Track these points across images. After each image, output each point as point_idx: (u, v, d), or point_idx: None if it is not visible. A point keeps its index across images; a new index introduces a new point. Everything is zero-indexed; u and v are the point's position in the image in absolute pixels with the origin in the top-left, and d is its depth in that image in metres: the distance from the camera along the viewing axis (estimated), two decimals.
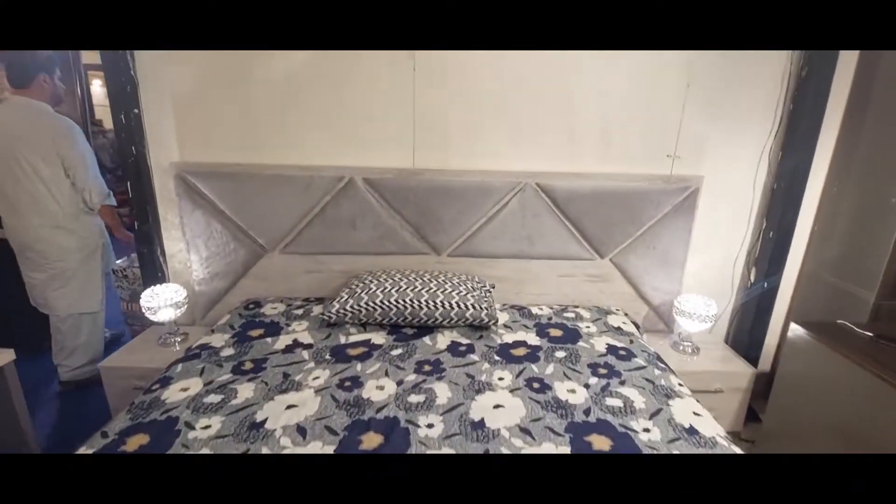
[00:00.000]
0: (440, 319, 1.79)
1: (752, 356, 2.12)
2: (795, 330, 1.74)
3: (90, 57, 4.43)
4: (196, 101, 1.92)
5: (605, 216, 2.04)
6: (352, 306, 1.79)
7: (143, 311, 1.91)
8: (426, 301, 1.79)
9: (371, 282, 1.91)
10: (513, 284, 2.17)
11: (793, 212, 1.98)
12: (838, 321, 1.76)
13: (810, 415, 1.68)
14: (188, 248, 2.05)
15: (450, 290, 1.86)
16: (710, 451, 1.21)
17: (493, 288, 2.08)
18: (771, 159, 2.01)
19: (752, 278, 2.13)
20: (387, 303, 1.79)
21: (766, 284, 2.08)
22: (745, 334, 2.16)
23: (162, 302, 1.90)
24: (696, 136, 1.99)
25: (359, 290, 1.86)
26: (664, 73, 1.91)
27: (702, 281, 2.18)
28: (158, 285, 1.96)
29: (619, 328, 1.94)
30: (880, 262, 1.80)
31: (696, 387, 1.78)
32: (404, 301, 1.79)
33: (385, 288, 1.85)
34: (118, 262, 2.61)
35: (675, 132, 1.99)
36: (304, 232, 2.05)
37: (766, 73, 1.92)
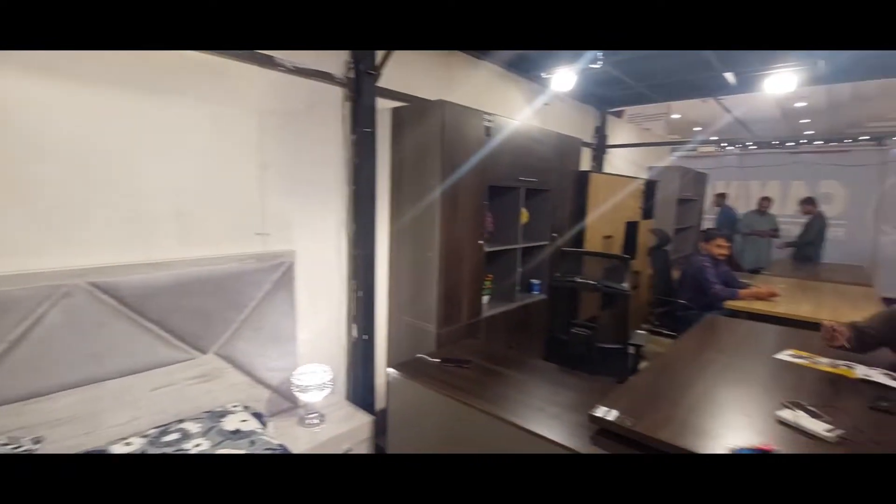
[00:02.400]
0: None
1: (368, 402, 2.34)
2: (390, 372, 2.02)
3: None
4: None
5: (199, 307, 1.79)
6: None
7: None
8: None
9: None
10: (81, 424, 1.57)
11: (371, 272, 2.34)
12: (417, 355, 2.18)
13: (422, 438, 1.96)
14: None
15: None
16: None
17: (39, 442, 1.43)
18: (348, 230, 2.32)
19: (356, 334, 2.37)
20: None
21: (366, 336, 2.36)
22: (360, 385, 2.38)
23: None
24: (281, 213, 2.05)
25: None
26: (239, 156, 1.89)
27: (316, 348, 2.26)
28: None
29: (236, 431, 1.70)
30: (433, 301, 2.36)
31: (329, 452, 1.77)
32: None
33: None
34: None
35: (259, 211, 1.98)
36: None
37: (329, 157, 2.20)
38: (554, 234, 3.13)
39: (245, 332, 1.95)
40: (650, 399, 1.60)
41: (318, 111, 2.14)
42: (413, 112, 2.37)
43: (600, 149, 4.47)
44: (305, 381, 1.96)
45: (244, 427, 1.73)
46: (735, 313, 3.00)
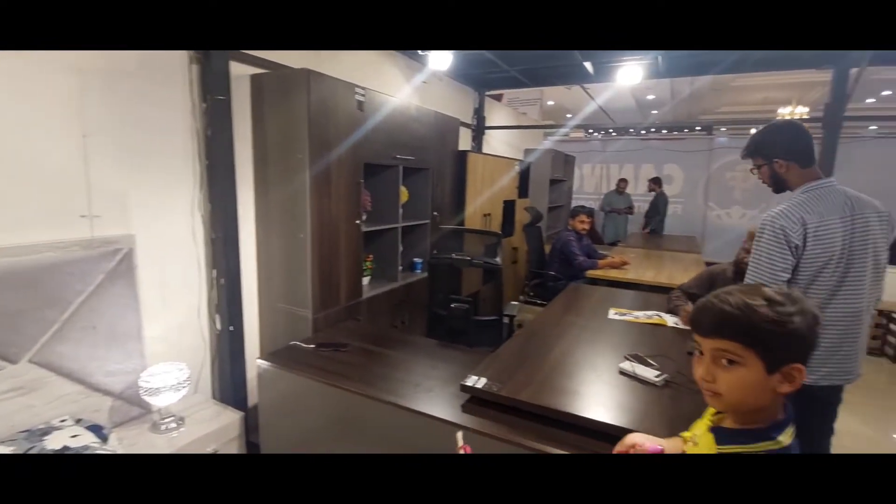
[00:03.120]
0: None
1: (238, 399, 2.16)
2: (261, 364, 1.87)
3: None
4: None
5: (2, 307, 1.46)
6: None
7: None
8: None
9: None
10: None
11: (235, 257, 2.14)
12: (291, 343, 2.05)
13: (297, 428, 1.86)
14: None
15: None
16: None
17: None
18: (203, 212, 2.07)
19: (219, 325, 2.15)
20: None
21: (231, 328, 2.16)
22: (228, 381, 2.18)
23: None
24: (114, 191, 1.75)
25: None
26: (52, 122, 1.55)
27: (172, 345, 2.01)
28: None
29: (64, 449, 1.44)
30: (308, 284, 2.23)
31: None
32: None
33: None
34: None
35: (83, 189, 1.66)
36: None
37: (174, 126, 1.93)
38: (435, 213, 3.16)
39: (71, 334, 1.65)
40: (516, 364, 1.71)
41: (157, 72, 1.85)
42: (275, 80, 2.17)
43: (479, 130, 4.62)
44: (156, 383, 1.74)
45: (75, 443, 1.48)
46: (595, 281, 3.35)
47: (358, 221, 2.46)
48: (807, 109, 7.52)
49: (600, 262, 3.53)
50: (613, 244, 5.41)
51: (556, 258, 3.69)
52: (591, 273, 3.40)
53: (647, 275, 3.33)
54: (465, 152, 3.44)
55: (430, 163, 3.04)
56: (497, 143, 5.19)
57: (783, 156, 1.53)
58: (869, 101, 9.33)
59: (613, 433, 1.29)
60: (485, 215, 3.76)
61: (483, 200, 3.73)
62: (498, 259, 2.33)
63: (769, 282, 1.44)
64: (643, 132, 8.79)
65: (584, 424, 1.35)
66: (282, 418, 1.89)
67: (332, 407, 1.73)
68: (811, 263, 1.44)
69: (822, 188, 1.49)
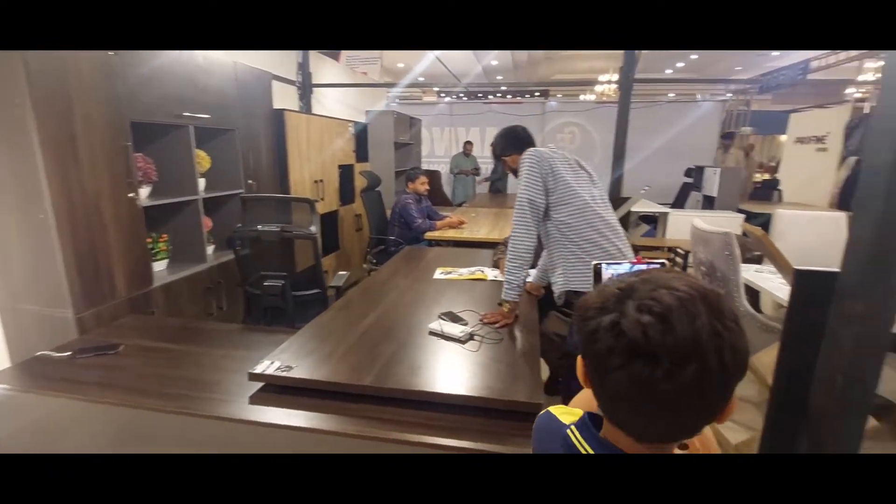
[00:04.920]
0: None
1: None
2: None
3: None
4: None
5: None
6: None
7: None
8: None
9: None
10: None
11: None
12: (38, 353, 1.61)
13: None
14: None
15: None
16: None
17: None
18: None
19: None
20: None
21: None
22: None
23: None
24: None
25: None
26: None
27: None
28: None
29: None
30: (61, 278, 1.76)
31: None
32: None
33: None
34: None
35: None
36: None
37: None
38: (251, 181, 2.79)
39: None
40: (321, 339, 1.56)
41: None
42: None
43: (306, 88, 4.22)
44: None
45: None
46: (435, 243, 3.36)
47: (132, 195, 2.01)
48: (617, 76, 8.55)
49: (438, 223, 3.54)
50: (461, 205, 5.56)
51: (396, 222, 3.61)
52: (429, 235, 3.39)
53: (482, 232, 3.44)
54: (281, 111, 3.08)
55: (235, 123, 2.64)
56: (334, 103, 4.84)
57: (510, 151, 1.88)
58: (668, 71, 10.99)
59: (413, 398, 1.24)
60: (316, 182, 3.48)
61: (313, 166, 3.44)
62: (313, 227, 2.12)
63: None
64: (490, 97, 9.14)
65: (384, 395, 1.27)
66: (35, 451, 1.48)
67: (101, 429, 1.40)
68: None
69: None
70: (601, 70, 9.14)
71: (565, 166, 1.74)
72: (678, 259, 4.52)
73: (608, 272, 0.82)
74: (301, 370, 1.34)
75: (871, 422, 1.64)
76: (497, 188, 6.60)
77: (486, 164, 7.15)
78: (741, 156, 5.99)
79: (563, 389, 2.51)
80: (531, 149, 1.77)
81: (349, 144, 4.04)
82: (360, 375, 1.32)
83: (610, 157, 4.18)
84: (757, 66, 9.11)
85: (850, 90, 7.83)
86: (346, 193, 3.95)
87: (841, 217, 2.97)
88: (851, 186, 4.67)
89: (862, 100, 6.42)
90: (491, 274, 2.28)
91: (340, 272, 2.48)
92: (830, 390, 1.25)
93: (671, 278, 0.48)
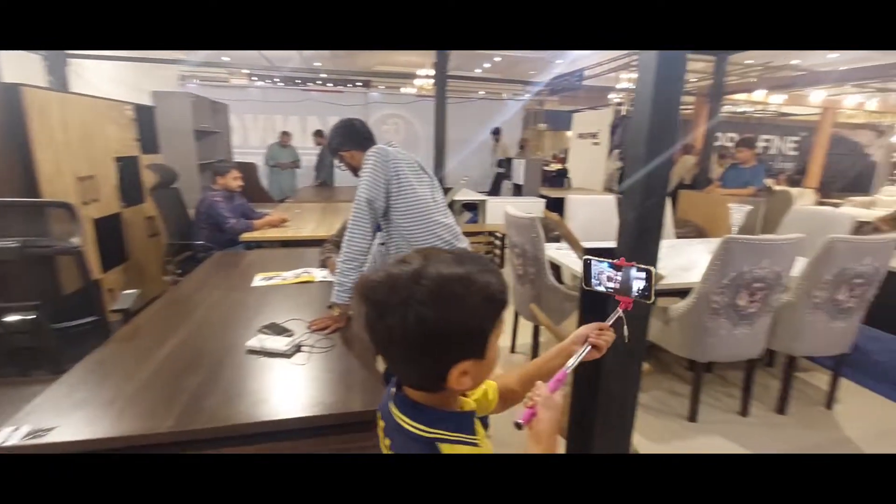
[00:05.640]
0: None
1: None
2: None
3: None
4: None
5: None
6: None
7: None
8: None
9: None
10: None
11: None
12: None
13: None
14: None
15: None
16: None
17: None
18: None
19: None
20: None
21: None
22: None
23: None
24: None
25: None
26: None
27: None
28: None
29: None
30: None
31: None
32: None
33: None
34: None
35: None
36: None
37: None
38: None
39: None
40: (97, 383, 1.22)
41: None
42: None
43: (57, 58, 3.29)
44: None
45: None
46: (255, 245, 3.00)
47: None
48: (433, 72, 8.98)
49: (256, 222, 3.18)
50: (283, 201, 5.13)
51: (204, 224, 3.11)
52: (247, 236, 3.02)
53: (308, 229, 3.21)
54: (17, 87, 2.33)
55: None
56: (106, 83, 3.90)
57: (348, 147, 1.79)
58: (477, 70, 11.97)
59: (228, 434, 1.05)
60: (82, 178, 2.75)
61: (75, 158, 2.70)
62: (75, 239, 1.64)
63: None
64: (309, 84, 8.63)
65: (188, 438, 1.04)
66: None
67: None
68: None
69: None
70: (418, 64, 9.46)
71: (410, 170, 1.70)
72: (497, 242, 5.00)
73: (595, 268, 0.83)
74: (65, 431, 1.02)
75: (646, 366, 2.04)
76: (323, 181, 6.29)
77: (308, 156, 6.72)
78: (517, 148, 6.79)
79: None
80: (378, 147, 1.68)
81: (129, 131, 3.30)
82: (156, 422, 1.06)
83: (433, 150, 4.35)
84: (547, 71, 10.61)
85: (612, 95, 9.72)
86: (130, 192, 3.23)
87: (612, 199, 3.63)
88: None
89: (621, 104, 8.01)
90: (319, 275, 2.12)
91: (126, 291, 2.01)
92: (616, 345, 1.51)
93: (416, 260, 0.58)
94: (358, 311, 0.60)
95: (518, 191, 6.04)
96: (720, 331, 2.14)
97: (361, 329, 0.60)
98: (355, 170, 1.75)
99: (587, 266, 0.84)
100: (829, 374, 2.48)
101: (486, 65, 11.31)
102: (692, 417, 2.30)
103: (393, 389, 0.66)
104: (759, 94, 7.48)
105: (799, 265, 2.19)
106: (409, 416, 0.62)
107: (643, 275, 0.77)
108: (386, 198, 1.65)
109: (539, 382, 0.67)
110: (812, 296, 2.18)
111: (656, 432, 2.20)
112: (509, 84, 10.51)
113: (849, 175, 8.65)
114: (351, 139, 1.79)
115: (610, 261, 0.81)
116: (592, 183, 6.54)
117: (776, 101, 7.90)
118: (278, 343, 1.41)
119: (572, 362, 0.75)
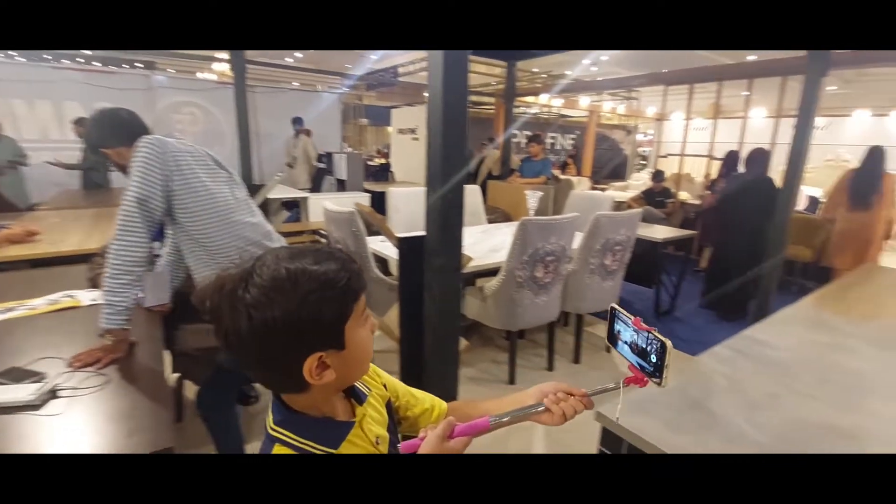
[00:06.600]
0: None
1: None
2: None
3: None
4: None
5: None
6: None
7: None
8: None
9: None
10: None
11: None
12: None
13: None
14: None
15: None
16: None
17: None
18: None
19: None
20: None
21: None
22: None
23: None
24: None
25: None
26: None
27: None
28: None
29: None
30: None
31: None
32: None
33: None
34: None
35: None
36: None
37: None
38: None
39: None
40: None
41: None
42: None
43: None
44: None
45: None
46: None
47: None
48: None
49: None
50: (32, 208, 3.98)
51: None
52: None
53: (71, 243, 2.55)
54: None
55: None
56: None
57: (113, 143, 1.48)
58: (288, 59, 11.21)
59: None
60: None
61: None
62: None
63: None
64: (65, 61, 6.86)
65: None
66: None
67: None
68: None
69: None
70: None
71: (199, 164, 1.44)
72: (323, 241, 4.80)
73: (619, 322, 0.70)
74: None
75: (464, 343, 2.20)
76: (94, 181, 5.09)
77: (38, 152, 5.14)
78: (310, 144, 6.63)
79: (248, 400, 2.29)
80: (150, 137, 1.39)
81: None
82: None
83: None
84: (362, 65, 10.57)
85: (426, 93, 10.25)
86: None
87: None
88: None
89: None
90: (87, 298, 1.70)
91: None
92: (433, 325, 1.58)
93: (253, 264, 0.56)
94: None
95: (342, 186, 5.89)
96: (525, 301, 2.43)
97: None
98: (124, 168, 1.46)
99: (612, 316, 0.71)
100: (606, 324, 3.07)
101: (299, 54, 10.72)
102: (511, 380, 2.59)
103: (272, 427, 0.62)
104: (544, 98, 8.79)
105: (577, 239, 2.64)
106: (273, 416, 0.61)
107: (657, 345, 0.61)
108: (165, 197, 1.39)
109: (446, 421, 0.64)
110: (588, 263, 2.65)
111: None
112: (324, 75, 10.17)
113: (609, 165, 10.85)
114: (116, 134, 1.48)
115: (627, 313, 0.68)
116: (417, 177, 6.80)
117: (557, 104, 9.41)
118: (19, 393, 1.07)
119: (497, 418, 0.68)
